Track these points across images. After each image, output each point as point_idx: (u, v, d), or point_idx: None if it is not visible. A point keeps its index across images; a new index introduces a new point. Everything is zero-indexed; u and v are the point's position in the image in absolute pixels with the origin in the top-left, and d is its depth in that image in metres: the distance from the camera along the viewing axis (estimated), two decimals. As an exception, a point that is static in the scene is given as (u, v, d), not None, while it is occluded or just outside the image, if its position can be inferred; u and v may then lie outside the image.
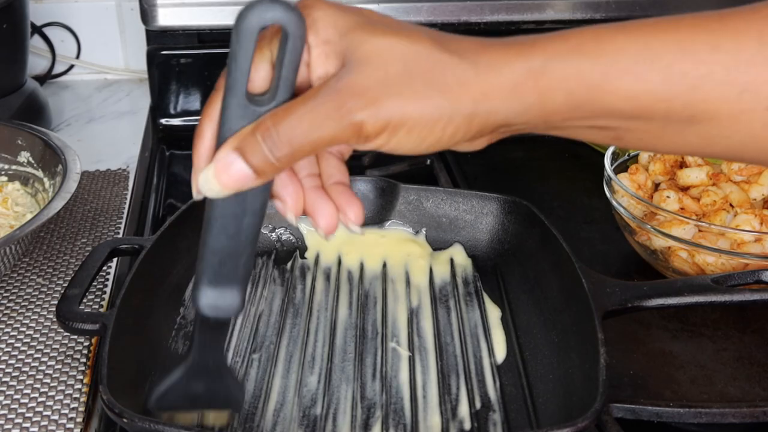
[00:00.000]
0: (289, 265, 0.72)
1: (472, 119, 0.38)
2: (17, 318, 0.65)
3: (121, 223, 0.79)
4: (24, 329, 0.64)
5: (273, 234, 0.74)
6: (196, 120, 1.04)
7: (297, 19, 0.37)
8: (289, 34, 0.37)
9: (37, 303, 0.67)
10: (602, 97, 0.38)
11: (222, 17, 0.97)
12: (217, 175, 0.38)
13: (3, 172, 0.79)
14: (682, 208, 0.70)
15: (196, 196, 0.40)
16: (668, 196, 0.71)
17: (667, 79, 0.38)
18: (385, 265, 0.71)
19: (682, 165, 0.77)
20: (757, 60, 0.37)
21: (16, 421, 0.55)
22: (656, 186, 0.76)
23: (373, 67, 0.37)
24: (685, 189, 0.74)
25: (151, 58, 1.03)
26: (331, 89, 0.37)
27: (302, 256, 0.73)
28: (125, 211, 0.82)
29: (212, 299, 0.43)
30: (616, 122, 0.40)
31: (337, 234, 0.73)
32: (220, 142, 0.39)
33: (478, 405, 0.56)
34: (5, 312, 0.66)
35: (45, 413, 0.56)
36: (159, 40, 1.03)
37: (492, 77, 0.38)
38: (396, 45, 0.38)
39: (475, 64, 0.38)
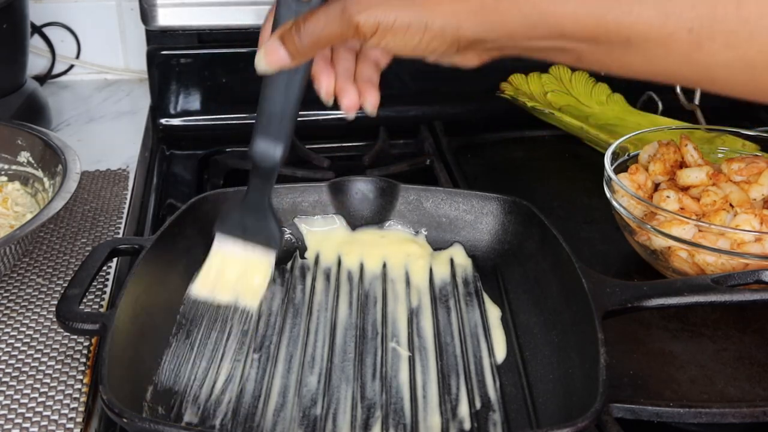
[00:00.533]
0: (289, 265, 0.72)
1: (444, 31, 0.47)
2: (17, 318, 0.65)
3: (121, 223, 0.79)
4: (24, 329, 0.64)
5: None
6: (196, 120, 1.05)
7: None
8: None
9: (37, 303, 0.67)
10: (552, 19, 0.46)
11: (222, 17, 0.98)
12: (265, 55, 0.52)
13: (3, 172, 0.79)
14: (682, 208, 0.70)
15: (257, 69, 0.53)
16: (668, 196, 0.71)
17: (602, 3, 0.45)
18: (385, 266, 0.71)
19: (682, 165, 0.77)
20: None
21: (16, 421, 0.55)
22: (656, 186, 0.76)
23: None
24: (685, 189, 0.74)
25: (151, 58, 1.03)
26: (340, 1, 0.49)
27: (302, 256, 0.73)
28: (125, 211, 0.82)
29: (260, 149, 0.56)
30: (570, 44, 0.47)
31: (338, 234, 0.74)
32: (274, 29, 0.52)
33: (478, 405, 0.56)
34: (5, 312, 0.66)
35: (45, 413, 0.56)
36: (159, 40, 1.03)
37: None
38: None
39: None
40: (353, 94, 0.56)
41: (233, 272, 0.60)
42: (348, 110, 0.56)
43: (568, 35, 0.46)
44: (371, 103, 0.57)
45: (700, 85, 0.49)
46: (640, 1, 0.44)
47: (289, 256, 0.73)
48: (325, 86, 0.56)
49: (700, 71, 0.45)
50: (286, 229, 0.74)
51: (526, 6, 0.46)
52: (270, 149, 0.56)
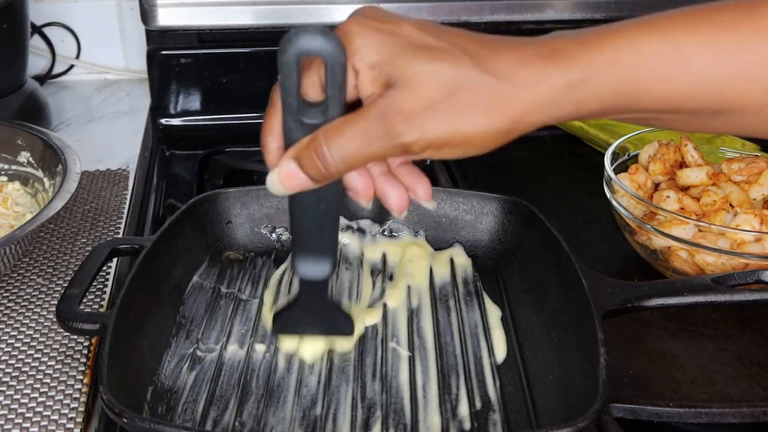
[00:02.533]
0: (288, 265, 0.72)
1: (511, 133, 0.42)
2: (17, 318, 0.65)
3: (121, 223, 0.79)
4: (24, 329, 0.64)
5: (273, 234, 0.74)
6: (196, 120, 1.05)
7: (335, 49, 0.40)
8: (328, 63, 0.41)
9: (37, 303, 0.67)
10: (636, 101, 0.41)
11: (222, 17, 0.98)
12: (280, 180, 0.44)
13: (3, 172, 0.79)
14: (682, 208, 0.70)
15: (271, 191, 0.46)
16: (668, 196, 0.71)
17: (697, 81, 0.40)
18: (385, 265, 0.71)
19: (682, 165, 0.77)
20: None
21: (16, 421, 0.55)
22: (656, 186, 0.76)
23: (417, 91, 0.40)
24: (685, 189, 0.74)
25: (151, 58, 1.03)
26: (379, 112, 0.41)
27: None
28: (125, 211, 0.82)
29: (305, 265, 0.50)
30: (646, 115, 0.43)
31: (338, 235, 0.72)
32: (285, 148, 0.44)
33: (478, 405, 0.56)
34: (5, 312, 0.66)
35: (45, 413, 0.56)
36: (159, 40, 1.03)
37: (531, 94, 0.41)
38: (438, 70, 0.41)
39: (514, 82, 0.41)
40: (400, 192, 0.47)
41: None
42: (400, 211, 0.47)
43: (648, 110, 0.42)
44: (425, 192, 0.48)
45: None
46: (738, 75, 0.40)
47: (286, 256, 0.73)
48: (362, 193, 0.47)
49: None
50: (286, 228, 0.74)
51: (608, 93, 0.41)
52: (316, 264, 0.50)
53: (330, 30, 0.41)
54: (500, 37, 0.43)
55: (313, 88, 0.43)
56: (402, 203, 0.47)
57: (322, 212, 0.48)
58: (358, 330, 0.63)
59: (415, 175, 0.48)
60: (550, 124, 0.42)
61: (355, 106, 0.43)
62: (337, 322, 0.55)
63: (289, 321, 0.55)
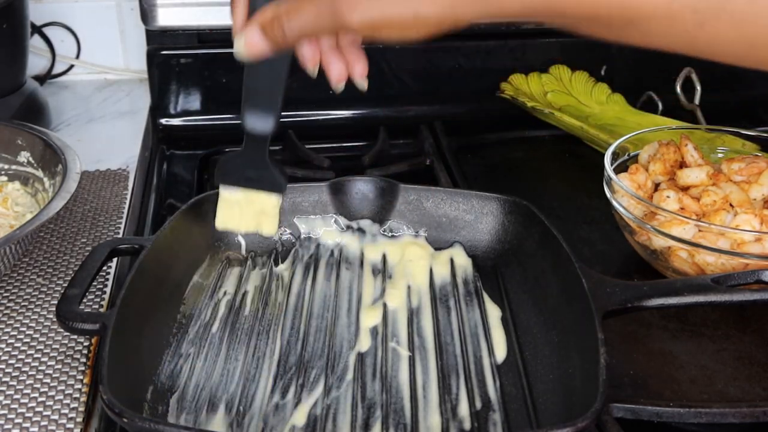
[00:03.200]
0: (287, 265, 0.72)
1: (442, 22, 0.46)
2: (17, 318, 0.65)
3: (121, 223, 0.79)
4: (24, 329, 0.64)
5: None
6: (196, 120, 1.05)
7: None
8: None
9: (37, 303, 0.67)
10: (552, 2, 0.45)
11: (222, 17, 0.97)
12: (245, 45, 0.52)
13: (3, 172, 0.79)
14: (682, 208, 0.70)
15: (236, 56, 0.53)
16: (668, 196, 0.71)
17: None
18: (385, 265, 0.71)
19: (682, 165, 0.77)
20: None
21: (16, 421, 0.55)
22: (656, 186, 0.76)
23: None
24: (685, 189, 0.74)
25: (151, 58, 1.03)
26: None
27: (303, 256, 0.73)
28: (125, 211, 0.81)
29: (252, 120, 0.59)
30: (569, 20, 0.46)
31: (337, 237, 0.73)
32: (249, 14, 0.53)
33: (478, 405, 0.56)
34: (5, 312, 0.66)
35: (45, 413, 0.56)
36: (159, 40, 1.03)
37: None
38: None
39: None
40: (341, 65, 0.56)
41: (245, 209, 0.65)
42: (337, 81, 0.56)
43: (568, 15, 0.46)
44: (360, 72, 0.56)
45: (697, 56, 0.48)
46: None
47: (287, 255, 0.73)
48: (310, 58, 0.55)
49: (700, 46, 0.45)
50: (286, 228, 0.74)
51: None
52: (260, 122, 0.59)
53: None
54: None
55: None
56: (340, 75, 0.56)
57: (272, 73, 0.56)
58: (366, 325, 0.64)
59: (357, 55, 0.56)
60: (481, 20, 0.46)
61: None
62: (272, 179, 0.64)
63: (230, 171, 0.63)
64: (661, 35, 0.45)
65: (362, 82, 0.57)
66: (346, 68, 0.56)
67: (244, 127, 0.60)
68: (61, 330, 0.61)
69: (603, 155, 0.77)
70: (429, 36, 0.47)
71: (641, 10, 0.43)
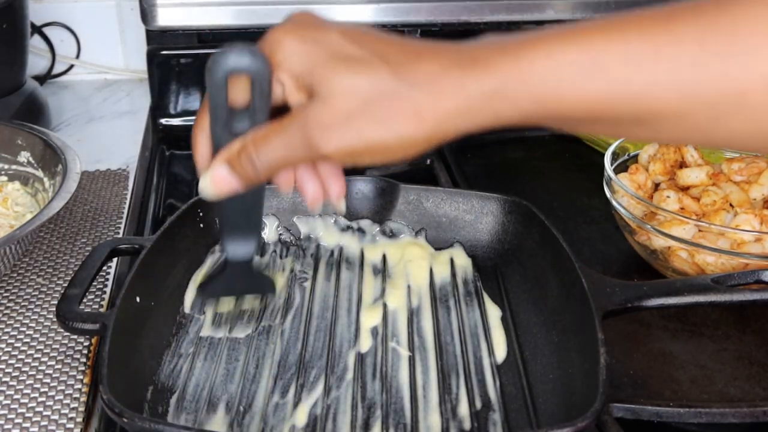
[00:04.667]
0: (288, 265, 0.72)
1: (430, 140, 0.42)
2: (17, 318, 0.65)
3: (121, 223, 0.79)
4: (24, 329, 0.64)
5: (273, 235, 0.74)
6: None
7: (261, 67, 0.44)
8: (255, 79, 0.45)
9: (37, 303, 0.67)
10: (553, 108, 0.41)
11: (222, 17, 0.98)
12: (212, 183, 0.47)
13: (3, 172, 0.79)
14: (682, 208, 0.70)
15: (202, 195, 0.49)
16: (668, 196, 0.71)
17: (613, 89, 0.40)
18: (385, 266, 0.71)
19: (682, 165, 0.77)
20: (697, 63, 0.38)
21: (16, 421, 0.55)
22: (656, 186, 0.76)
23: (335, 103, 0.42)
24: (685, 189, 0.74)
25: (151, 58, 1.03)
26: (300, 124, 0.43)
27: (302, 256, 0.73)
28: (125, 211, 0.81)
29: (233, 247, 0.56)
30: (568, 124, 0.43)
31: (337, 237, 0.73)
32: (213, 151, 0.48)
33: (478, 405, 0.56)
34: (5, 312, 0.66)
35: (45, 413, 0.56)
36: (159, 40, 1.03)
37: (447, 103, 0.41)
38: (356, 81, 0.42)
39: (431, 91, 0.41)
40: (316, 186, 0.50)
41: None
42: (312, 204, 0.51)
43: (567, 119, 0.42)
44: (337, 193, 0.50)
45: (709, 147, 0.46)
46: (653, 82, 0.39)
47: (286, 255, 0.73)
48: (284, 185, 0.50)
49: (715, 140, 0.43)
50: (286, 228, 0.74)
51: (524, 102, 0.41)
52: (242, 249, 0.56)
53: (255, 47, 0.44)
54: (426, 43, 0.43)
55: (241, 94, 0.46)
56: (316, 197, 0.50)
57: (248, 201, 0.52)
58: (366, 325, 0.64)
59: (334, 175, 0.50)
60: (472, 132, 0.43)
61: (283, 110, 0.46)
62: (260, 283, 0.62)
63: (214, 288, 0.61)
64: (673, 132, 0.41)
65: (340, 205, 0.52)
66: (321, 189, 0.50)
67: (226, 256, 0.57)
68: (61, 330, 0.61)
69: (603, 155, 0.77)
70: (417, 156, 0.43)
71: (652, 109, 0.40)
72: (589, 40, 0.40)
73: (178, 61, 1.03)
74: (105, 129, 1.04)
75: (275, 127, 0.45)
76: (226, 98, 0.46)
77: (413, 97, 0.41)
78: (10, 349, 0.62)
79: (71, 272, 0.71)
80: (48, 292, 0.68)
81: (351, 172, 0.78)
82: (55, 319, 0.61)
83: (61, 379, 0.59)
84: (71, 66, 1.17)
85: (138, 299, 0.58)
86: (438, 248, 0.73)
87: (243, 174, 0.46)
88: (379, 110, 0.41)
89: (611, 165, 0.75)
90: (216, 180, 0.47)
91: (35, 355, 0.61)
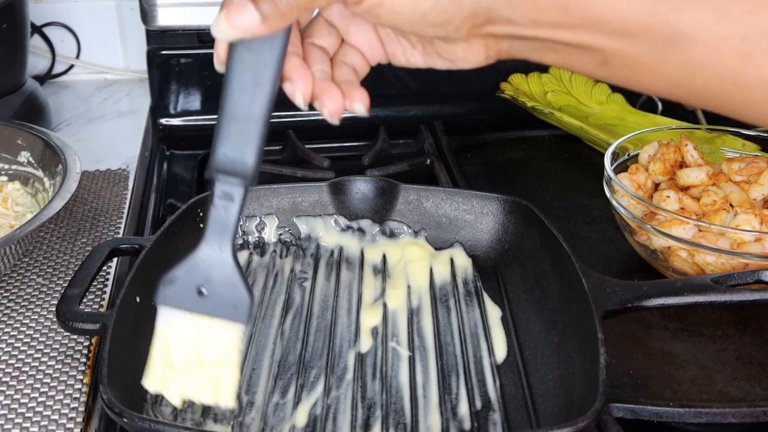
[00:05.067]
0: (288, 265, 0.72)
1: (446, 12, 0.40)
2: (17, 318, 0.65)
3: (121, 223, 0.79)
4: (24, 329, 0.64)
5: (273, 234, 0.74)
6: (196, 120, 1.05)
7: None
8: None
9: (37, 303, 0.67)
10: (589, 1, 0.39)
11: (222, 17, 0.97)
12: (228, 16, 0.41)
13: (3, 172, 0.79)
14: (682, 208, 0.70)
15: (214, 34, 0.43)
16: (668, 196, 0.71)
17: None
18: (385, 266, 0.71)
19: (682, 165, 0.77)
20: None
21: (16, 421, 0.55)
22: (656, 186, 0.76)
23: None
24: (685, 189, 0.74)
25: (151, 58, 1.03)
26: None
27: (302, 256, 0.73)
28: (125, 211, 0.81)
29: (224, 158, 0.43)
30: (602, 40, 0.40)
31: (337, 237, 0.73)
32: None
33: (478, 405, 0.57)
34: (5, 312, 0.66)
35: (45, 413, 0.56)
36: (159, 40, 1.03)
37: None
38: None
39: None
40: (338, 96, 0.45)
41: (190, 360, 0.46)
42: (333, 115, 0.45)
43: (602, 26, 0.40)
44: (361, 102, 0.45)
45: (733, 108, 0.42)
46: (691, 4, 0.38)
47: (287, 255, 0.73)
48: (301, 87, 0.44)
49: (745, 84, 0.40)
50: (286, 228, 0.74)
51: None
52: (238, 156, 0.43)
53: None
54: None
55: None
56: (337, 108, 0.45)
57: (255, 97, 0.43)
58: (366, 325, 0.63)
59: (355, 86, 0.46)
60: (506, 17, 0.41)
61: None
62: (234, 297, 0.45)
63: (179, 286, 0.46)
64: (703, 66, 0.39)
65: (365, 112, 0.46)
66: (342, 98, 0.45)
67: (211, 171, 0.44)
68: (61, 330, 0.61)
69: (603, 155, 0.77)
70: (444, 24, 0.41)
71: (685, 25, 0.38)
72: None
73: (178, 61, 1.03)
74: (105, 129, 1.04)
75: None
76: None
77: None
78: (10, 349, 0.62)
79: (71, 272, 0.71)
80: (48, 292, 0.68)
81: (351, 172, 0.78)
82: (55, 319, 0.61)
83: (61, 379, 0.59)
84: (71, 66, 1.17)
85: (138, 299, 0.58)
86: (438, 248, 0.74)
87: (264, 5, 0.40)
88: None
89: (611, 165, 0.75)
90: (232, 12, 0.41)
91: (35, 355, 0.61)
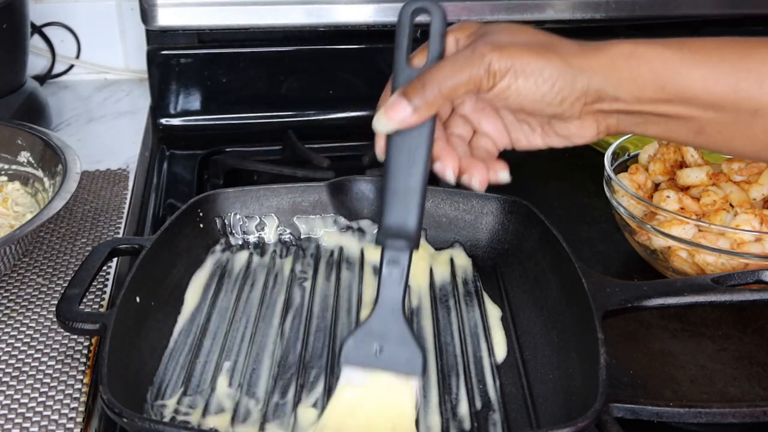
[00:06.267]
0: (288, 265, 0.72)
1: (575, 80, 0.48)
2: (17, 318, 0.65)
3: (121, 223, 0.79)
4: (24, 329, 0.64)
5: (273, 234, 0.74)
6: (196, 120, 1.05)
7: (440, 9, 0.51)
8: (433, 13, 0.51)
9: (37, 303, 0.67)
10: (683, 81, 0.48)
11: (222, 17, 0.98)
12: (386, 112, 0.50)
13: (3, 172, 0.79)
14: (682, 208, 0.70)
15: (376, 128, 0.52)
16: (668, 196, 0.71)
17: (735, 73, 0.47)
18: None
19: (682, 165, 0.77)
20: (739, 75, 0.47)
21: (16, 421, 0.55)
22: (656, 186, 0.76)
23: (503, 33, 0.50)
24: (685, 189, 0.74)
25: (151, 58, 1.03)
26: (471, 46, 0.50)
27: (302, 256, 0.73)
28: (125, 211, 0.81)
29: (391, 223, 0.52)
30: (696, 111, 0.49)
31: (336, 237, 0.73)
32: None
33: (478, 405, 0.56)
34: (5, 312, 0.66)
35: (45, 413, 0.56)
36: (159, 40, 1.03)
37: (592, 56, 0.49)
38: (520, 31, 0.51)
39: (581, 46, 0.50)
40: (483, 168, 0.54)
41: (365, 414, 0.52)
42: (481, 186, 0.54)
43: (694, 101, 0.48)
44: (504, 171, 0.55)
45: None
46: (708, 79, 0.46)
47: (287, 255, 0.73)
48: (450, 164, 0.53)
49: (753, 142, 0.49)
50: (286, 228, 0.74)
51: (656, 63, 0.47)
52: (401, 222, 0.52)
53: None
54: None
55: (418, 58, 0.52)
56: (484, 178, 0.53)
57: (411, 173, 0.52)
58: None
59: (493, 158, 0.55)
60: (612, 96, 0.49)
61: None
62: (407, 353, 0.52)
63: (359, 346, 0.53)
64: (716, 126, 0.48)
65: (506, 177, 0.55)
66: (487, 172, 0.54)
67: (380, 237, 0.52)
68: (61, 330, 0.61)
69: (603, 155, 0.77)
70: (561, 102, 0.49)
71: (766, 99, 0.46)
72: (711, 40, 0.50)
73: (178, 61, 1.03)
74: (105, 129, 1.04)
75: (448, 57, 0.50)
76: (408, 36, 0.51)
77: (569, 45, 0.50)
78: (10, 349, 0.62)
79: (71, 272, 0.71)
80: (48, 292, 0.68)
81: (351, 172, 0.78)
82: (55, 319, 0.61)
83: (61, 379, 0.59)
84: (71, 66, 1.17)
85: (138, 299, 0.58)
86: (438, 248, 0.73)
87: (415, 98, 0.49)
88: (541, 44, 0.49)
89: (611, 165, 0.75)
90: (389, 107, 0.50)
91: (35, 355, 0.61)
